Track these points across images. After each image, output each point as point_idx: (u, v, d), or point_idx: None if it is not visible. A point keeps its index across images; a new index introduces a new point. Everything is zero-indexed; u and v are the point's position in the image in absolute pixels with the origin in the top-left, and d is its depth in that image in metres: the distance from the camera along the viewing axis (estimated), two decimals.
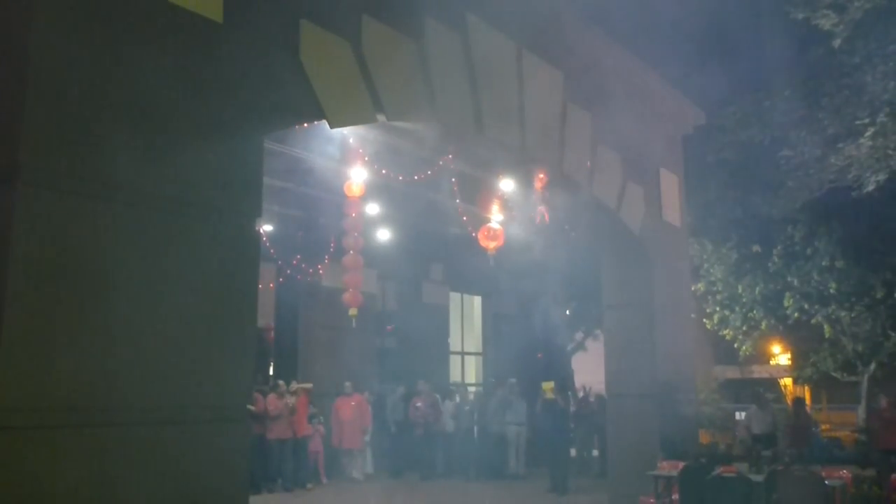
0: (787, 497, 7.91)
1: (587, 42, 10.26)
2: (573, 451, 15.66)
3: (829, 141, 12.62)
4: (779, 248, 15.39)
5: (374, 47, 6.99)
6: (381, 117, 7.22)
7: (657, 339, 11.22)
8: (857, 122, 11.94)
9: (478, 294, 20.63)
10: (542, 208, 11.11)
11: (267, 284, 14.48)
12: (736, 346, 18.20)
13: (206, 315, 5.24)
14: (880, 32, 11.63)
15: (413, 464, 15.03)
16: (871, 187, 12.27)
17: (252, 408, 12.51)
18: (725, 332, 17.68)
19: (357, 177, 10.33)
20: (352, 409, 14.11)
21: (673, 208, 12.36)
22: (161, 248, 5.03)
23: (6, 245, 4.32)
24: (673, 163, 12.65)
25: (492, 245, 11.63)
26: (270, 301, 15.39)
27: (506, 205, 11.87)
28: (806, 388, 23.62)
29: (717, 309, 17.30)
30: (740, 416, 19.02)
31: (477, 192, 11.91)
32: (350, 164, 10.26)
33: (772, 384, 24.07)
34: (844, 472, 8.93)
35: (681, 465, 8.95)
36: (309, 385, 13.88)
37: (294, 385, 13.90)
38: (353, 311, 10.67)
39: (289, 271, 14.63)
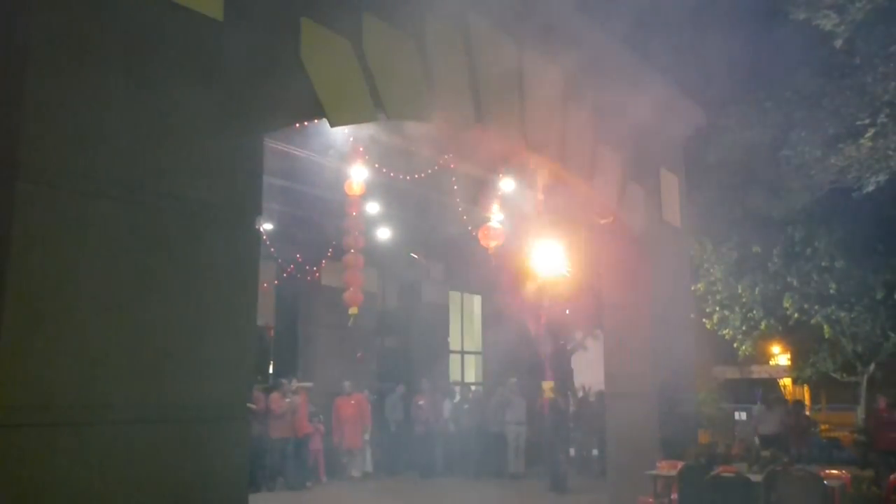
0: (786, 497, 7.91)
1: (588, 41, 10.24)
2: (572, 451, 15.67)
3: (829, 141, 12.60)
4: (779, 248, 15.37)
5: (375, 45, 6.99)
6: (381, 116, 7.22)
7: (657, 338, 11.22)
8: (858, 123, 11.93)
9: (478, 293, 20.63)
10: (537, 208, 11.13)
11: (267, 283, 14.50)
12: (735, 346, 18.17)
13: (205, 313, 5.24)
14: (881, 33, 11.62)
15: (412, 463, 15.04)
16: (871, 188, 12.26)
17: (253, 406, 12.56)
18: (725, 332, 17.65)
19: (357, 175, 10.35)
20: (352, 408, 14.13)
21: (673, 208, 12.36)
22: (161, 247, 5.04)
23: (6, 243, 4.32)
24: (673, 163, 12.65)
25: (492, 244, 11.65)
26: (270, 300, 15.40)
27: (506, 203, 11.88)
28: (805, 388, 23.63)
29: (717, 309, 17.27)
30: (740, 416, 19.06)
31: (477, 192, 11.93)
32: (350, 163, 10.27)
33: (771, 384, 24.10)
34: (843, 473, 8.94)
35: (680, 464, 8.95)
36: (309, 384, 13.89)
37: (294, 384, 13.91)
38: (353, 310, 10.69)
39: (289, 270, 14.65)
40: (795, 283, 15.44)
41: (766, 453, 9.96)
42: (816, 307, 15.79)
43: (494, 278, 17.37)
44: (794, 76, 13.53)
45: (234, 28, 5.64)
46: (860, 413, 16.86)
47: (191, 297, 5.17)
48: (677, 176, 12.68)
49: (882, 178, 12.02)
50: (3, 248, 4.33)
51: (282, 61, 6.09)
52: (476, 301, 21.00)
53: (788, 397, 21.40)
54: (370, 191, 11.14)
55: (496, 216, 11.80)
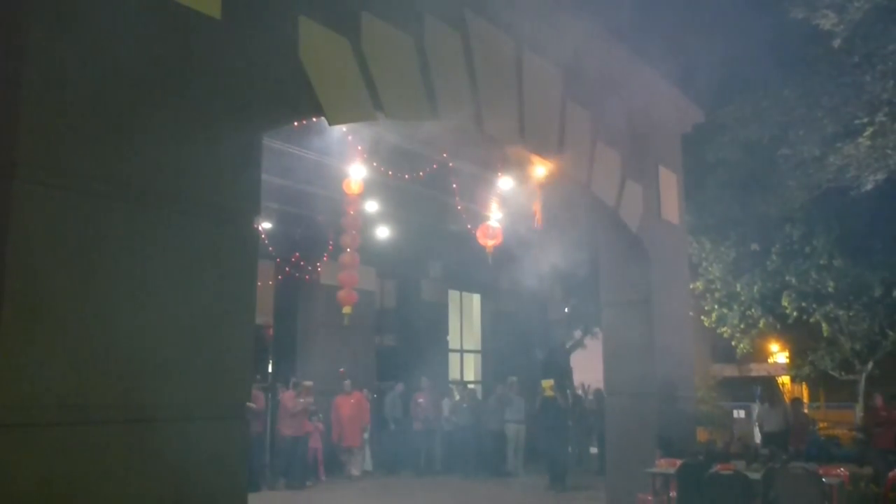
0: (784, 495, 7.93)
1: (586, 40, 10.25)
2: (570, 448, 15.69)
3: (827, 140, 12.62)
4: (777, 246, 15.40)
5: (374, 44, 6.99)
6: (380, 114, 7.22)
7: (656, 336, 11.23)
8: (856, 122, 11.94)
9: (477, 292, 20.64)
10: (536, 207, 11.12)
11: (266, 282, 14.51)
12: (734, 344, 18.22)
13: (203, 312, 5.24)
14: (879, 32, 11.64)
15: (411, 461, 15.06)
16: (869, 187, 12.28)
17: (252, 405, 12.59)
18: (723, 330, 17.70)
19: (356, 174, 10.35)
20: (351, 406, 14.14)
21: (671, 206, 12.37)
22: (159, 246, 5.04)
23: (2, 242, 4.32)
24: (672, 161, 12.66)
25: (490, 243, 11.66)
26: (269, 298, 15.40)
27: (504, 203, 11.89)
28: (804, 386, 23.67)
29: (716, 307, 17.31)
30: (738, 413, 19.10)
31: (476, 190, 11.94)
32: (349, 162, 10.28)
33: (770, 382, 24.14)
34: (842, 471, 8.95)
35: (678, 462, 8.97)
36: (309, 383, 13.91)
37: (294, 383, 13.93)
38: (346, 310, 10.70)
39: (288, 269, 14.65)
40: (794, 281, 15.47)
41: (764, 451, 9.99)
42: (815, 305, 15.83)
43: (494, 277, 17.42)
44: (792, 75, 13.54)
45: (232, 26, 5.64)
46: (858, 411, 16.89)
47: (189, 296, 5.17)
48: (676, 174, 12.69)
49: (880, 176, 12.04)
50: None
51: (280, 60, 6.09)
52: (475, 300, 21.00)
53: (787, 395, 21.43)
54: (369, 189, 11.14)
55: (495, 215, 11.80)
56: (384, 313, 17.74)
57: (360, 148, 10.03)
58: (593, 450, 16.31)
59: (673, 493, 8.93)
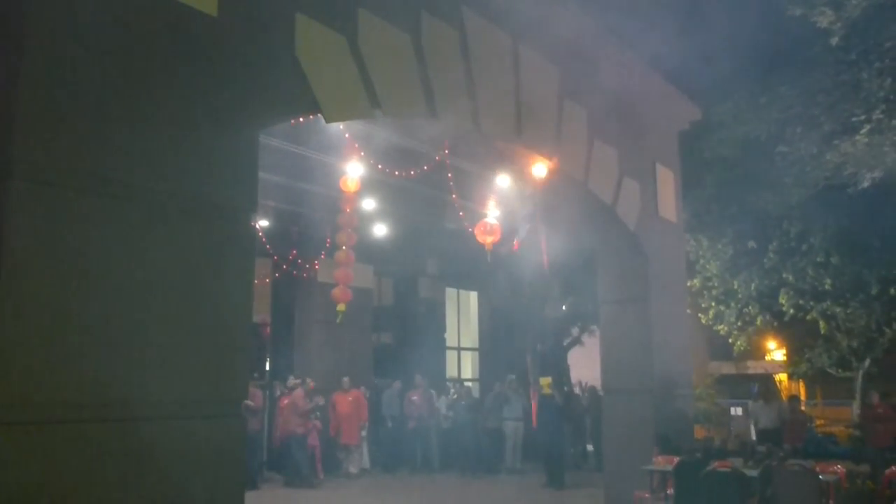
0: (781, 492, 7.94)
1: (583, 37, 10.25)
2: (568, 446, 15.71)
3: (825, 137, 12.62)
4: (774, 244, 15.41)
5: (371, 42, 6.98)
6: (377, 112, 7.21)
7: (653, 334, 11.23)
8: (854, 119, 11.94)
9: (474, 289, 20.64)
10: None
11: (263, 279, 14.49)
12: (731, 341, 18.24)
13: (200, 310, 5.24)
14: (876, 29, 11.63)
15: (409, 459, 15.06)
16: (866, 184, 12.28)
17: (250, 403, 12.60)
18: (720, 327, 17.72)
19: (353, 172, 10.33)
20: (349, 404, 14.13)
21: (669, 204, 12.37)
22: (156, 244, 5.03)
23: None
24: (669, 158, 12.65)
25: (489, 240, 11.64)
26: (266, 296, 15.39)
27: (502, 200, 11.88)
28: (801, 383, 23.70)
29: (713, 304, 17.33)
30: (735, 411, 19.12)
31: (473, 188, 11.92)
32: (346, 159, 10.26)
33: (767, 380, 24.18)
34: (838, 468, 8.98)
35: (676, 459, 8.98)
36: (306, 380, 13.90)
37: (291, 380, 13.92)
38: (340, 307, 10.67)
39: (285, 267, 14.64)
40: (791, 278, 15.49)
41: (761, 448, 10.00)
42: (812, 303, 15.85)
43: (491, 274, 17.41)
44: (789, 72, 13.54)
45: (229, 24, 5.62)
46: (855, 408, 16.92)
47: (185, 294, 5.16)
48: (673, 171, 12.69)
49: (877, 174, 12.04)
50: None
51: (276, 57, 6.08)
52: (473, 297, 21.00)
53: (784, 393, 21.46)
54: (366, 187, 11.13)
55: (493, 212, 11.79)
56: (381, 311, 17.73)
57: (356, 145, 10.02)
58: (589, 447, 16.32)
59: (670, 491, 8.94)
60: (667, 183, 12.40)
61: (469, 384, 18.26)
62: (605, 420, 11.64)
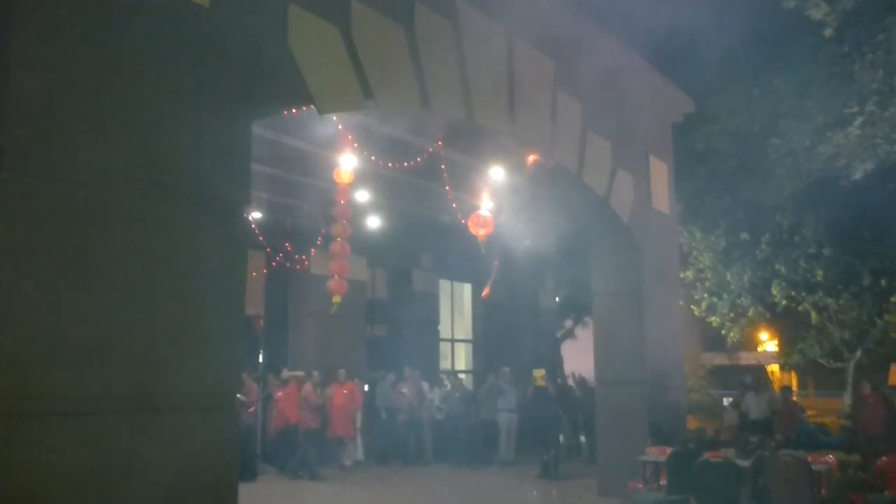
0: (773, 482, 7.98)
1: (576, 29, 10.24)
2: (562, 438, 15.75)
3: (817, 129, 12.63)
4: (767, 235, 15.45)
5: (364, 33, 6.96)
6: (370, 103, 7.20)
7: (646, 326, 11.27)
8: (846, 111, 11.96)
9: (468, 282, 20.64)
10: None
11: (256, 272, 14.47)
12: (724, 332, 18.29)
13: (192, 302, 5.23)
14: (869, 21, 11.64)
15: (403, 451, 15.08)
16: (858, 176, 12.30)
17: (242, 397, 12.59)
18: (713, 319, 17.76)
19: (346, 164, 10.31)
20: (344, 396, 14.12)
21: (662, 196, 12.39)
22: (148, 236, 5.02)
23: None
24: (662, 150, 12.67)
25: (482, 232, 11.64)
26: (259, 289, 15.36)
27: (496, 193, 11.88)
28: (793, 374, 23.81)
29: (706, 296, 17.37)
30: (728, 402, 19.16)
31: (467, 180, 11.92)
32: (339, 151, 10.23)
33: (759, 371, 24.27)
34: (830, 458, 9.02)
35: (669, 450, 9.01)
36: (300, 373, 13.89)
37: (285, 373, 13.91)
38: (336, 299, 10.67)
39: (278, 259, 14.61)
40: (783, 270, 15.53)
41: (754, 439, 10.04)
42: (804, 294, 15.90)
43: (485, 266, 17.39)
44: (782, 64, 13.55)
45: (222, 15, 5.60)
46: (847, 399, 17.00)
47: (178, 287, 5.15)
48: (666, 163, 12.71)
49: (869, 165, 12.07)
50: None
51: (270, 48, 6.06)
52: (466, 289, 21.01)
53: (776, 383, 21.55)
54: (360, 179, 11.10)
55: (486, 204, 11.79)
56: (375, 303, 17.72)
57: (350, 137, 9.99)
58: (581, 438, 16.37)
59: (663, 481, 8.98)
60: (660, 175, 12.42)
61: (462, 376, 18.28)
62: (599, 411, 11.68)
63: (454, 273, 19.73)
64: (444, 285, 20.13)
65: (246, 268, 5.79)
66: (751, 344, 25.97)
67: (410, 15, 7.61)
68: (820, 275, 15.18)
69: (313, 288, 14.72)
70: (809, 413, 16.37)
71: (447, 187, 11.35)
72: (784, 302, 16.18)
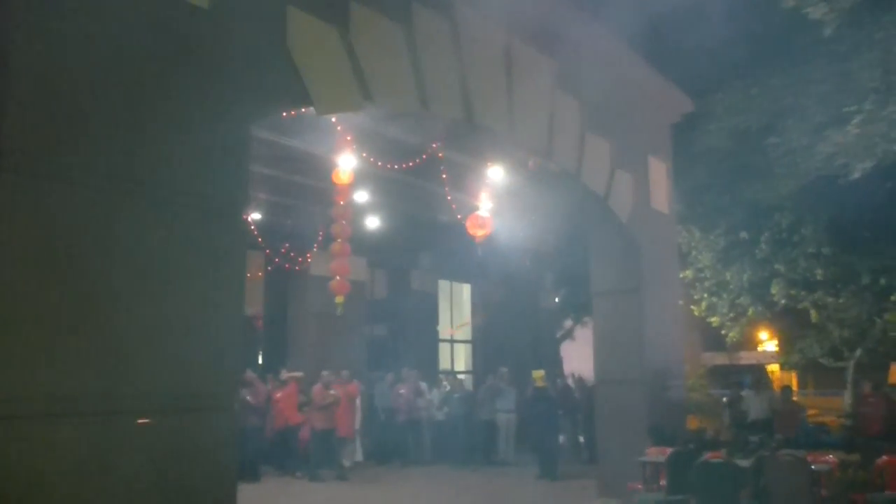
0: (774, 482, 7.97)
1: (575, 29, 10.23)
2: (562, 438, 15.74)
3: (816, 128, 12.62)
4: (766, 235, 15.44)
5: (362, 34, 6.95)
6: (368, 104, 7.19)
7: (646, 326, 11.26)
8: (845, 110, 11.94)
9: (467, 282, 20.64)
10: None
11: (255, 272, 14.46)
12: (723, 332, 18.28)
13: (191, 303, 5.22)
14: (867, 20, 11.64)
15: (402, 451, 15.07)
16: (857, 175, 12.28)
17: (249, 399, 12.63)
18: (713, 318, 17.76)
19: (345, 164, 10.30)
20: (346, 397, 14.09)
21: (661, 195, 12.38)
22: (147, 237, 5.01)
23: None
24: (661, 150, 12.66)
25: (480, 233, 11.64)
26: (259, 289, 15.37)
27: (495, 193, 11.88)
28: (793, 373, 23.80)
29: (705, 296, 17.37)
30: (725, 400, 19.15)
31: (466, 180, 11.92)
32: (338, 152, 10.23)
33: (759, 370, 24.27)
34: (830, 457, 9.01)
35: (669, 451, 9.00)
36: (299, 374, 13.88)
37: (284, 374, 13.89)
38: (339, 299, 10.67)
39: (277, 259, 14.61)
40: (783, 269, 15.52)
41: (754, 439, 10.03)
42: (804, 293, 15.89)
43: (484, 267, 17.40)
44: (781, 63, 13.54)
45: (220, 16, 5.59)
46: (847, 398, 16.99)
47: (177, 288, 5.14)
48: (665, 163, 12.70)
49: (868, 164, 12.05)
50: None
51: (268, 50, 6.05)
52: (465, 290, 21.01)
53: (776, 383, 21.53)
54: (359, 179, 11.10)
55: (485, 205, 11.79)
56: (374, 303, 17.72)
57: (349, 138, 9.99)
58: (581, 439, 16.35)
59: (663, 482, 8.96)
60: (659, 174, 12.41)
61: (462, 376, 18.27)
62: (599, 411, 11.67)
63: (453, 273, 19.73)
64: (444, 285, 20.13)
65: (245, 268, 5.78)
66: (750, 343, 25.96)
67: (409, 15, 7.60)
68: (819, 274, 15.17)
69: (312, 288, 14.72)
70: (810, 412, 16.36)
71: (446, 188, 11.35)
72: (784, 301, 16.17)
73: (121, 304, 4.81)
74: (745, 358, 26.41)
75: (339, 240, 10.79)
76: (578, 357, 22.06)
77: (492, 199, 11.85)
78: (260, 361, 15.39)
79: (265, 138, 9.76)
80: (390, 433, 15.15)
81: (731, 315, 17.40)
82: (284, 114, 7.20)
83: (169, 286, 5.10)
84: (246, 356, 12.39)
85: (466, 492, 12.27)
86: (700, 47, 13.01)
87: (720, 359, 25.79)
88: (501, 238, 13.79)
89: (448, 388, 15.85)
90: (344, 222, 10.81)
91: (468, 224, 11.66)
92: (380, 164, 10.80)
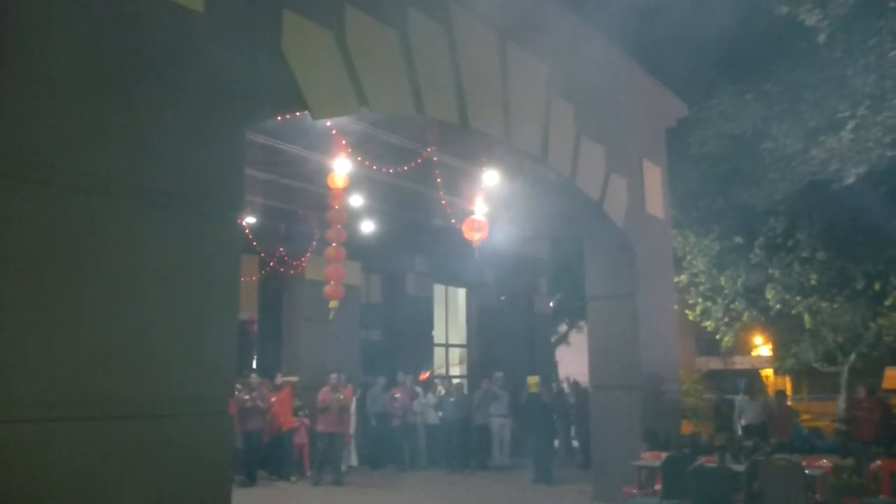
0: (768, 486, 7.98)
1: (570, 34, 10.26)
2: (557, 443, 15.73)
3: (810, 134, 12.67)
4: (760, 239, 15.48)
5: (358, 38, 6.95)
6: (364, 108, 7.20)
7: (641, 330, 11.27)
8: (839, 115, 11.99)
9: (462, 286, 20.64)
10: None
11: (250, 276, 14.44)
12: (718, 337, 18.33)
13: (186, 307, 5.21)
14: (861, 26, 11.69)
15: (396, 456, 15.04)
16: (851, 180, 12.33)
17: (261, 403, 12.62)
18: (707, 323, 17.80)
19: (340, 168, 10.29)
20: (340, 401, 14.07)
21: (656, 200, 12.40)
22: (142, 240, 5.00)
23: None
24: (656, 154, 12.69)
25: (476, 237, 11.63)
26: (253, 293, 15.33)
27: (490, 197, 11.87)
28: (787, 378, 23.87)
29: (700, 300, 17.41)
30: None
31: (461, 184, 11.92)
32: (333, 156, 10.22)
33: (753, 375, 24.32)
34: (825, 462, 9.03)
35: (664, 455, 9.01)
36: (294, 378, 13.85)
37: (279, 378, 13.87)
38: (333, 304, 10.65)
39: (272, 264, 14.59)
40: (777, 274, 15.57)
41: (748, 443, 10.04)
42: (798, 298, 15.93)
43: (479, 271, 17.41)
44: (775, 69, 13.60)
45: (215, 20, 5.59)
46: (841, 402, 17.03)
47: (171, 292, 5.13)
48: (660, 168, 12.73)
49: (862, 170, 12.10)
50: None
51: (263, 54, 6.05)
52: (461, 294, 20.99)
53: (771, 388, 21.58)
54: (354, 184, 11.09)
55: (480, 208, 11.78)
56: (369, 308, 17.69)
57: (344, 142, 9.98)
58: (574, 444, 16.34)
59: (658, 486, 8.96)
60: (654, 179, 12.43)
61: (456, 381, 18.24)
62: (593, 416, 11.67)
63: (448, 277, 19.72)
64: (439, 290, 20.11)
65: (239, 272, 5.77)
66: (745, 348, 26.03)
67: (404, 20, 7.61)
68: (814, 279, 15.22)
69: (307, 293, 14.70)
70: (804, 417, 16.40)
71: (441, 192, 11.35)
72: (778, 306, 16.21)
73: (116, 308, 4.80)
74: (740, 362, 26.49)
75: (334, 244, 10.76)
76: (573, 361, 22.09)
77: (487, 203, 11.84)
78: (254, 365, 15.34)
79: (260, 142, 9.75)
80: (385, 438, 15.11)
81: (726, 320, 17.44)
82: (280, 118, 7.19)
83: (164, 290, 5.08)
84: (241, 360, 12.35)
85: (461, 496, 12.25)
86: (695, 52, 13.05)
87: (715, 363, 25.87)
88: (497, 242, 13.79)
89: (443, 392, 15.83)
90: (339, 227, 10.79)
91: (463, 228, 11.65)
92: (375, 167, 10.79)
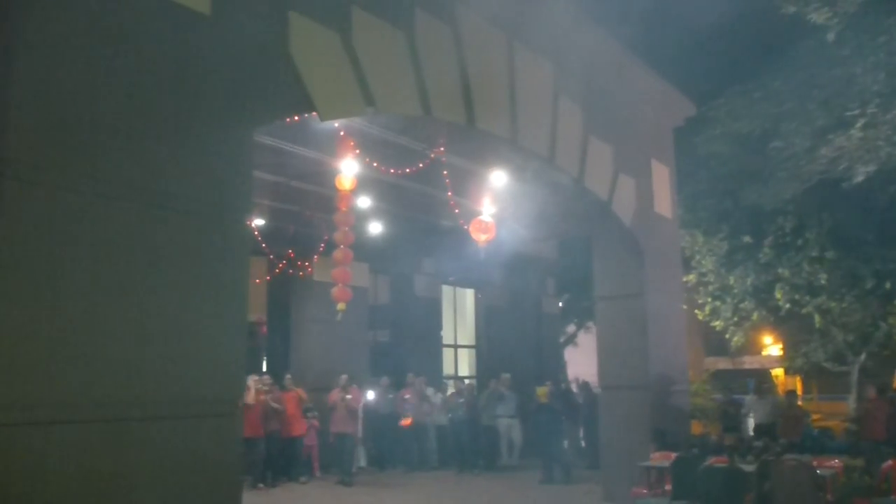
0: (778, 486, 7.95)
1: (577, 34, 10.24)
2: (566, 443, 15.69)
3: (819, 132, 12.63)
4: (769, 239, 15.43)
5: (365, 39, 6.96)
6: (371, 109, 7.20)
7: (649, 330, 11.24)
8: (847, 114, 11.95)
9: (470, 287, 20.62)
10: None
11: (258, 278, 14.46)
12: (727, 337, 18.26)
13: (195, 309, 5.22)
14: (870, 23, 11.64)
15: (404, 457, 15.05)
16: (860, 178, 12.29)
17: (278, 406, 12.65)
18: (716, 323, 17.74)
19: (348, 170, 10.29)
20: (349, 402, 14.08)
21: (664, 200, 12.37)
22: (150, 243, 5.01)
23: None
24: (664, 154, 12.66)
25: (483, 238, 11.62)
26: (262, 295, 15.35)
27: (497, 197, 11.86)
28: (797, 378, 23.75)
29: (709, 300, 17.36)
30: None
31: (468, 185, 11.91)
32: (341, 158, 10.23)
33: (763, 375, 24.21)
34: (835, 462, 9.00)
35: (673, 455, 8.99)
36: (299, 389, 13.86)
37: (288, 380, 13.89)
38: (341, 306, 10.64)
39: (281, 265, 14.62)
40: (786, 273, 15.51)
41: (758, 443, 10.01)
42: (807, 297, 15.87)
43: (487, 272, 17.39)
44: (783, 67, 13.55)
45: (222, 22, 5.60)
46: (851, 402, 16.95)
47: (180, 294, 5.14)
48: (668, 167, 12.70)
49: (871, 168, 12.05)
50: None
51: (270, 56, 6.06)
52: (469, 295, 20.98)
53: (781, 387, 21.48)
54: (362, 185, 11.09)
55: (487, 209, 11.77)
56: (377, 309, 17.70)
57: (351, 143, 9.99)
58: (583, 444, 16.31)
59: (668, 487, 8.94)
60: (662, 179, 12.41)
61: (465, 381, 18.23)
62: (603, 416, 11.65)
63: (456, 279, 19.71)
64: (447, 291, 20.11)
65: (248, 274, 5.79)
66: (754, 348, 25.93)
67: (411, 21, 7.62)
68: (823, 278, 15.15)
69: (316, 294, 14.71)
70: (814, 417, 16.33)
71: (449, 193, 11.34)
72: (787, 305, 16.15)
73: (124, 311, 4.81)
74: (749, 362, 26.36)
75: (342, 246, 10.76)
76: (582, 362, 22.06)
77: (494, 204, 11.83)
78: (264, 367, 15.36)
79: (268, 144, 9.77)
80: (394, 439, 15.12)
81: (735, 319, 17.38)
82: (287, 120, 7.20)
83: (172, 292, 5.09)
84: (250, 362, 12.37)
85: (470, 497, 12.25)
86: (703, 52, 13.02)
87: (724, 363, 25.75)
88: (504, 243, 13.77)
89: (451, 392, 15.82)
90: (346, 229, 10.78)
91: (471, 229, 11.64)
92: (382, 169, 10.80)
